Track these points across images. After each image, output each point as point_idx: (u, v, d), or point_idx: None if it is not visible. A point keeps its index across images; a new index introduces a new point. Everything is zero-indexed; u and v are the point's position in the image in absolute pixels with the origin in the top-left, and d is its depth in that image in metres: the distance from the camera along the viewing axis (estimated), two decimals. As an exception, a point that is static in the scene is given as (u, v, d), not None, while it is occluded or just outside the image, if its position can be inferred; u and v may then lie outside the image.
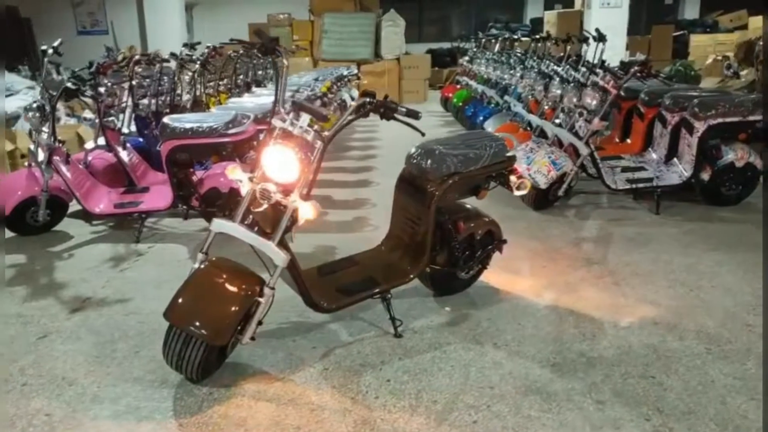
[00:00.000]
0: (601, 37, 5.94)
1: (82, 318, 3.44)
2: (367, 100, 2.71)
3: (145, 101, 6.06)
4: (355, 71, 11.16)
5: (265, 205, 2.70)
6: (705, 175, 5.07)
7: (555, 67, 6.14)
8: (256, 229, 2.78)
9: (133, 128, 6.06)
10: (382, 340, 3.11)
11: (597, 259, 4.14)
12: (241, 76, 9.07)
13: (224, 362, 2.87)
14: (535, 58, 7.29)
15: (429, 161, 3.14)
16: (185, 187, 4.73)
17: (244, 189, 2.73)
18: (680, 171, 5.17)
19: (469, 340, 3.10)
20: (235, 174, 2.72)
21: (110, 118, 5.26)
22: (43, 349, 3.11)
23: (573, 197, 5.56)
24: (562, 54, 6.74)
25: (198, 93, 7.21)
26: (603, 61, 5.42)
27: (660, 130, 5.52)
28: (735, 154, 4.96)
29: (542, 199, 5.17)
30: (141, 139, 6.02)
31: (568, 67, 5.83)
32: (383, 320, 3.24)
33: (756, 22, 13.36)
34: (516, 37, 8.97)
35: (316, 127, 2.68)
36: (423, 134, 2.90)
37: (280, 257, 2.69)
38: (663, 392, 2.63)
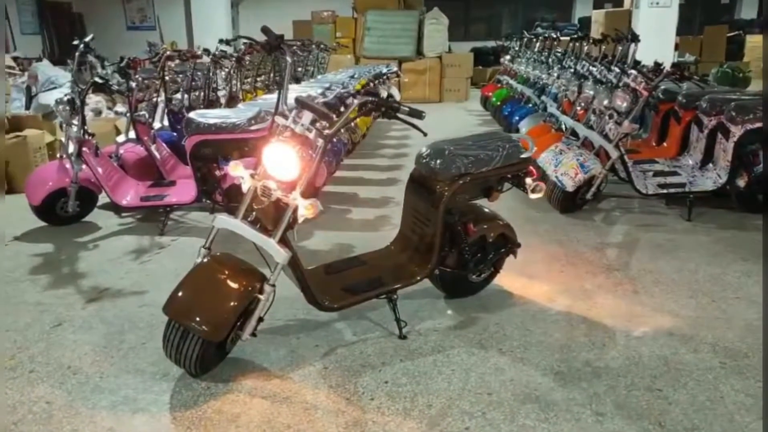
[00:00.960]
0: (634, 38, 5.77)
1: (96, 308, 3.51)
2: (369, 99, 2.69)
3: (178, 96, 6.15)
4: (395, 69, 11.14)
5: (267, 202, 2.70)
6: (741, 182, 4.89)
7: (590, 68, 6.00)
8: (258, 225, 2.79)
9: (166, 123, 6.17)
10: (387, 340, 3.08)
11: (618, 266, 4.02)
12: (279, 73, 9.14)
13: (225, 358, 2.88)
14: (572, 57, 7.14)
15: (438, 161, 3.09)
16: (209, 182, 4.78)
17: (245, 186, 2.73)
18: (715, 177, 4.98)
19: (474, 344, 3.05)
20: (236, 170, 2.72)
21: (141, 113, 5.34)
22: (54, 337, 3.18)
23: (603, 201, 5.43)
24: (599, 54, 6.59)
25: (234, 89, 7.29)
26: (637, 62, 5.26)
27: (696, 134, 5.33)
28: (773, 160, 4.76)
29: (569, 202, 5.05)
30: (174, 134, 6.12)
31: (602, 67, 5.69)
32: (389, 321, 3.21)
33: (815, 22, 12.78)
34: (555, 36, 8.80)
35: (318, 124, 2.67)
36: (425, 134, 2.86)
37: (280, 254, 2.69)
38: (668, 406, 2.53)
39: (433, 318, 3.31)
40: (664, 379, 2.72)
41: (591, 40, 7.11)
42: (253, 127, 4.49)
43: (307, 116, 2.66)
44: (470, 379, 2.74)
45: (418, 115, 2.68)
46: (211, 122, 4.50)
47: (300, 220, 2.67)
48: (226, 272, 2.70)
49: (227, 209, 4.87)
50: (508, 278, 3.73)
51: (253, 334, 2.79)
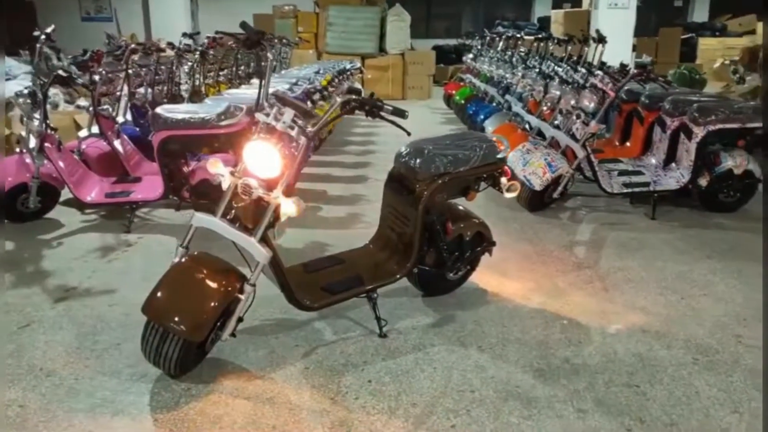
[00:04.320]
0: (601, 39, 5.88)
1: (65, 308, 3.41)
2: (353, 97, 2.67)
3: (142, 90, 6.02)
4: (358, 65, 11.11)
5: (247, 201, 2.66)
6: (703, 181, 5.02)
7: (556, 68, 6.09)
8: (237, 224, 2.75)
9: (129, 117, 6.03)
10: (367, 339, 3.08)
11: (588, 264, 4.10)
12: (243, 67, 9.03)
13: (204, 358, 2.83)
14: (537, 57, 7.23)
15: (418, 161, 3.10)
16: (177, 179, 4.70)
17: (225, 184, 2.69)
18: (678, 176, 5.11)
19: (454, 342, 3.07)
20: (216, 168, 2.68)
21: (104, 107, 5.21)
22: (24, 338, 3.09)
23: (569, 200, 5.51)
24: (564, 54, 6.68)
25: (197, 83, 7.17)
26: (603, 63, 5.36)
27: (659, 135, 5.46)
28: (734, 161, 4.90)
29: (537, 201, 5.12)
30: (137, 129, 5.98)
31: (568, 68, 5.77)
32: (369, 319, 3.21)
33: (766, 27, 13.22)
34: (519, 35, 8.89)
35: (300, 122, 2.64)
36: (409, 134, 2.86)
37: (261, 254, 2.66)
38: (646, 402, 2.59)
39: (412, 316, 3.32)
40: (641, 376, 2.78)
41: (556, 41, 7.20)
42: (223, 123, 4.43)
43: (288, 113, 2.63)
44: (452, 377, 2.76)
45: (402, 114, 2.68)
46: (180, 117, 4.42)
47: (283, 218, 2.64)
48: (206, 272, 2.65)
49: (195, 206, 4.81)
50: (482, 276, 3.76)
51: (233, 335, 2.76)
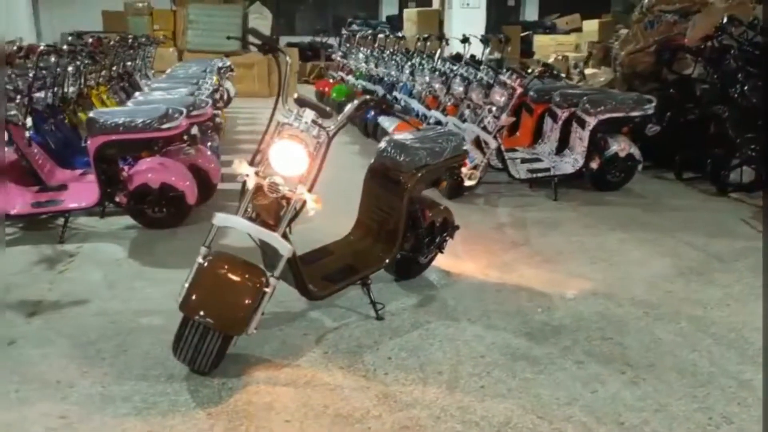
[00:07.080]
0: (507, 39, 6.47)
1: (43, 321, 3.30)
2: (368, 97, 2.91)
3: (40, 94, 5.69)
4: (229, 63, 11.02)
5: (272, 198, 2.80)
6: (594, 164, 5.72)
7: (452, 66, 6.57)
8: (258, 221, 2.87)
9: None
10: (366, 323, 3.31)
11: (521, 241, 4.59)
12: (114, 68, 8.68)
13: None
14: (425, 56, 7.69)
15: (403, 155, 3.37)
16: (112, 184, 4.59)
17: (251, 183, 2.80)
18: (573, 161, 5.78)
19: (445, 317, 3.39)
20: (242, 168, 2.79)
21: (12, 113, 4.91)
22: (16, 355, 2.97)
23: (478, 187, 6.00)
24: (447, 54, 7.19)
25: (82, 86, 6.84)
26: (501, 61, 5.92)
27: (550, 125, 6.12)
28: (619, 146, 5.65)
29: (456, 189, 5.56)
30: (35, 134, 5.64)
31: (467, 66, 6.27)
32: (359, 305, 3.44)
33: (589, 25, 14.80)
34: (400, 35, 9.36)
35: (320, 121, 2.82)
36: (418, 129, 3.13)
37: (285, 247, 2.81)
38: (624, 350, 3.07)
39: (396, 299, 3.59)
40: (611, 330, 3.27)
41: (446, 41, 7.70)
42: (164, 126, 4.42)
43: (308, 114, 2.80)
44: (459, 347, 3.08)
45: (408, 112, 2.95)
46: (120, 122, 4.34)
47: (311, 212, 2.80)
48: (235, 269, 2.77)
49: (130, 211, 4.71)
50: (439, 260, 4.08)
51: (255, 328, 2.87)
